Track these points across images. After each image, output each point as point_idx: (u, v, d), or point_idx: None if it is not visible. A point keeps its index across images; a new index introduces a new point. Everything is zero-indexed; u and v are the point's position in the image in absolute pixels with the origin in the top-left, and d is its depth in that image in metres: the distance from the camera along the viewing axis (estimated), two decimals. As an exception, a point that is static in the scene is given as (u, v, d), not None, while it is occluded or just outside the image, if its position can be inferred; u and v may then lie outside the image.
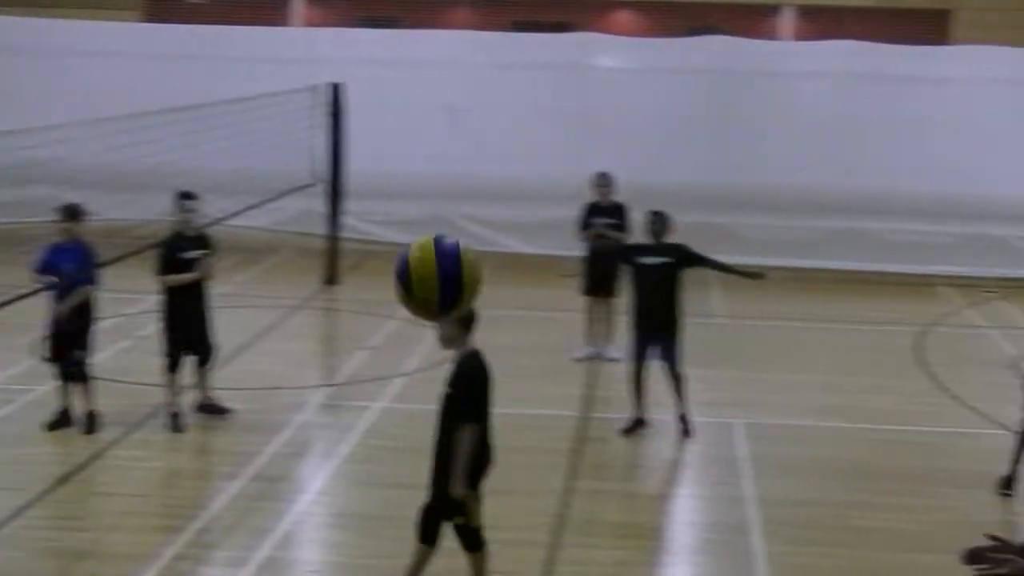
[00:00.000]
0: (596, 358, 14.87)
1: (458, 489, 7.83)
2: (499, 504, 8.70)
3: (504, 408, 12.47)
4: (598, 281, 15.06)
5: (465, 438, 7.80)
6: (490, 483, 8.09)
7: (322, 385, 13.97)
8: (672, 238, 12.33)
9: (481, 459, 8.03)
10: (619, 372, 12.66)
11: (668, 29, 28.69)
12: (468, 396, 7.85)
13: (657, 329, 12.16)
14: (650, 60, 21.89)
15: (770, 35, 31.18)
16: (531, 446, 11.71)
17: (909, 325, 17.45)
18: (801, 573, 9.21)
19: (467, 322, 7.85)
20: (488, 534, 8.17)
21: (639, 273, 12.29)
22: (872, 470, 11.58)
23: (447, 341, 7.93)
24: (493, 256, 20.72)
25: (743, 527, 10.03)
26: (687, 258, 12.22)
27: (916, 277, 20.44)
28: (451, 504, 7.93)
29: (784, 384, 14.44)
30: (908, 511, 10.56)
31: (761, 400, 13.69)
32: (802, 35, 30.67)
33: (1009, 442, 11.27)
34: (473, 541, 8.16)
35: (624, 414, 12.43)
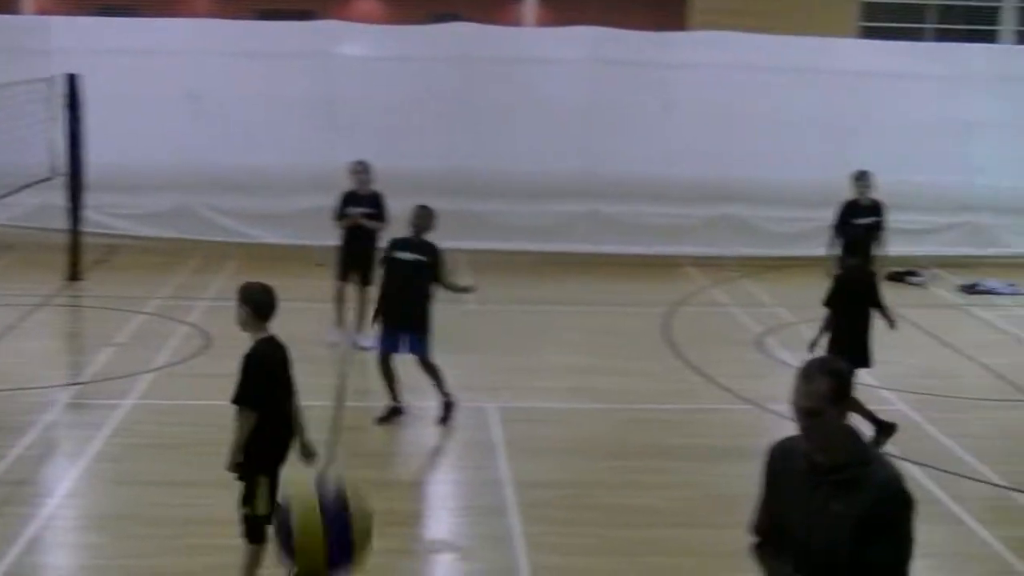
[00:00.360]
0: (348, 345, 14.84)
1: (230, 464, 7.96)
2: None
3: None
4: (350, 268, 15.07)
5: (241, 421, 7.89)
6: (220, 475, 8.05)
7: (68, 384, 13.61)
8: (432, 235, 12.43)
9: (276, 446, 8.02)
10: (373, 361, 12.68)
11: (412, 17, 28.71)
12: (244, 380, 7.92)
13: (405, 323, 12.24)
14: (395, 48, 21.88)
15: (514, 22, 31.50)
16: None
17: (657, 306, 17.88)
18: (558, 552, 9.38)
19: (261, 308, 7.95)
20: (214, 528, 8.09)
21: (392, 266, 12.35)
22: (623, 449, 11.85)
23: (243, 325, 8.03)
24: (241, 248, 20.52)
25: (501, 510, 10.16)
26: (434, 265, 12.30)
27: (662, 259, 20.94)
28: (249, 492, 8.00)
29: (536, 367, 14.65)
30: (659, 488, 10.84)
31: (514, 384, 13.87)
32: (545, 22, 31.06)
33: (758, 416, 11.66)
34: (255, 532, 8.11)
35: (379, 402, 12.45)
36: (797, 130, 21.53)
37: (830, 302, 12.01)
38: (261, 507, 7.99)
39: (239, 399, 7.93)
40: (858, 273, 12.11)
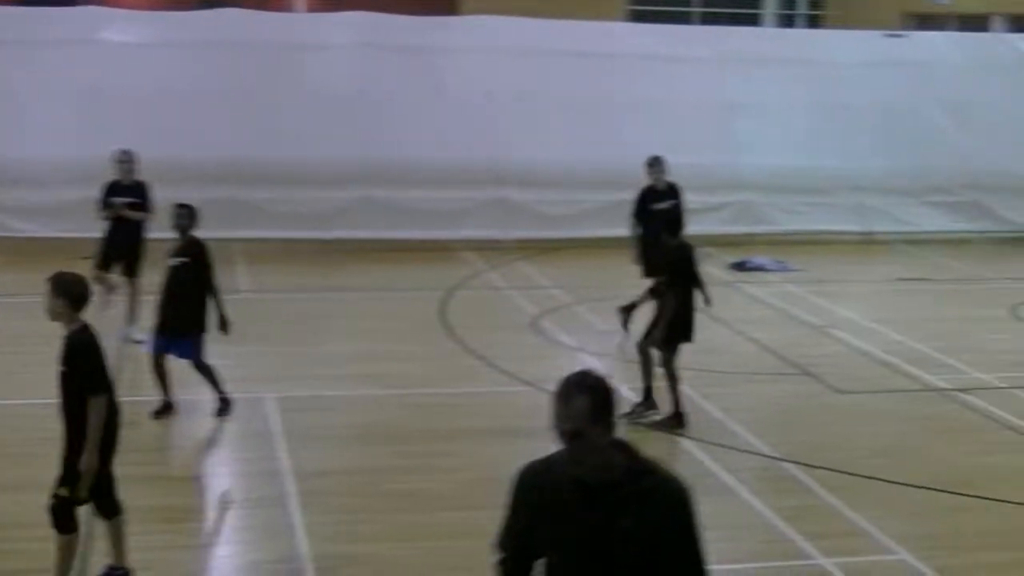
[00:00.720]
0: (121, 339, 14.52)
1: (93, 462, 7.85)
2: (19, 500, 8.42)
3: (21, 398, 12.11)
4: (113, 258, 14.77)
5: (97, 410, 7.81)
6: (6, 477, 7.86)
7: None
8: (199, 231, 12.22)
9: (110, 433, 7.99)
10: (145, 355, 12.47)
11: (181, 3, 28.19)
12: (89, 370, 7.84)
13: (173, 327, 12.07)
14: (163, 34, 21.51)
15: (285, 8, 31.19)
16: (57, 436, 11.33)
17: (435, 290, 17.93)
18: (342, 540, 9.36)
19: (78, 300, 7.90)
20: (14, 532, 7.92)
21: (166, 270, 12.15)
22: (404, 434, 11.88)
23: (54, 315, 7.96)
24: (5, 241, 19.91)
25: (281, 500, 10.08)
26: (198, 266, 12.11)
27: (439, 243, 21.01)
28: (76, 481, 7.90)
29: (314, 356, 14.56)
30: (442, 471, 10.90)
31: (292, 373, 13.76)
32: (316, 7, 30.83)
33: (536, 397, 11.80)
34: (67, 519, 8.02)
35: (153, 396, 12.23)
36: (568, 113, 21.85)
37: (669, 281, 12.30)
38: (83, 492, 7.95)
39: (96, 388, 7.84)
40: (687, 251, 12.41)
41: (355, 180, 21.09)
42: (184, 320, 12.05)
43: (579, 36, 22.97)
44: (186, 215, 12.15)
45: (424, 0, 29.44)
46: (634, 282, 15.42)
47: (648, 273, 15.14)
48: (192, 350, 12.10)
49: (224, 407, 12.23)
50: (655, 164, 16.12)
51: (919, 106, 23.49)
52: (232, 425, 12.04)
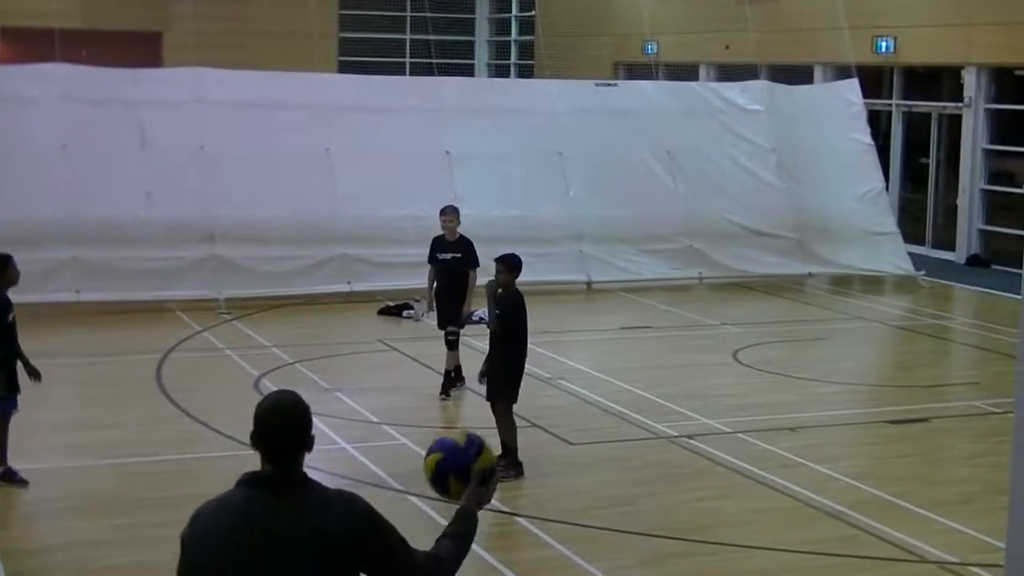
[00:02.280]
0: None
1: None
2: None
3: None
4: None
5: None
6: None
7: None
8: None
9: None
10: None
11: None
12: None
13: None
14: None
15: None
16: None
17: (150, 353, 17.55)
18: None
19: None
20: None
21: None
22: (123, 504, 11.62)
23: None
24: None
25: (-6, 582, 9.74)
26: None
27: (152, 304, 20.56)
28: None
29: (24, 426, 14.07)
30: (161, 542, 10.65)
31: None
32: (9, 59, 30.04)
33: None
34: None
35: None
36: (281, 167, 21.82)
37: (505, 328, 12.59)
38: None
39: None
40: (518, 298, 12.61)
41: (60, 240, 20.44)
42: None
43: (291, 88, 22.97)
44: None
45: (126, 50, 29.08)
46: (346, 339, 15.43)
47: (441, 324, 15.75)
48: None
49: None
50: (445, 212, 16.23)
51: (632, 154, 24.26)
52: (-65, 504, 11.58)
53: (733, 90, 25.86)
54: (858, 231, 24.90)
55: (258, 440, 4.83)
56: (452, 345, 15.71)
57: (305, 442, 4.83)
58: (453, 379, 15.74)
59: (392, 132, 22.73)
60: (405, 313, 20.44)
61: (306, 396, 5.00)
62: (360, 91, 23.75)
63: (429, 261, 16.09)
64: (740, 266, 24.29)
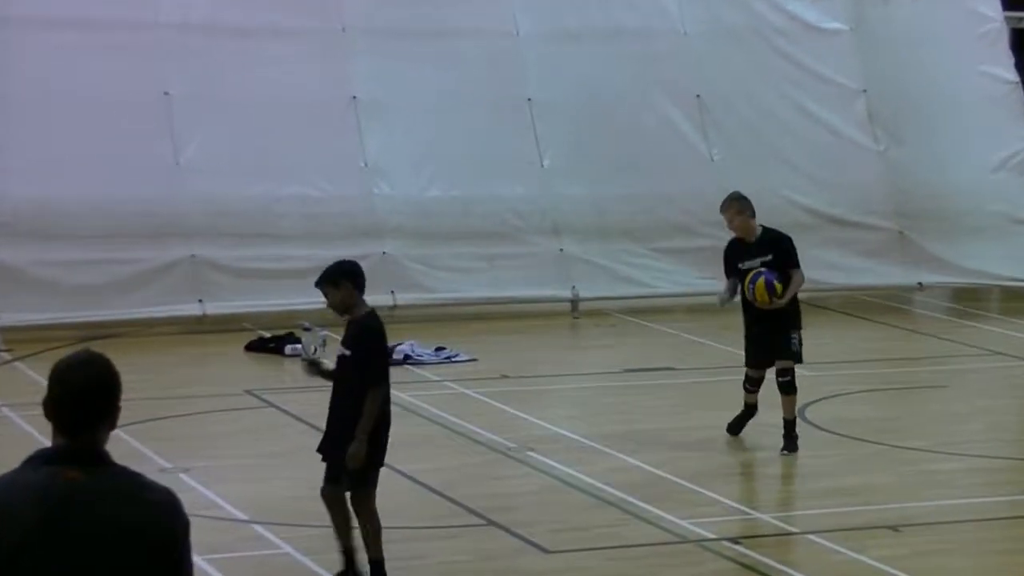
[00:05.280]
0: None
1: None
2: None
3: None
4: None
5: None
6: None
7: None
8: None
9: None
10: None
11: None
12: None
13: None
14: None
15: None
16: None
17: None
18: None
19: None
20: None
21: None
22: None
23: None
24: None
25: None
26: None
27: None
28: None
29: None
30: None
31: None
32: None
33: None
34: None
35: None
36: (88, 119, 21.96)
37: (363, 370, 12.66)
38: None
39: None
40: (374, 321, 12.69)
41: None
42: None
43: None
44: None
45: None
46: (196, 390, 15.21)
47: None
48: None
49: None
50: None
51: (641, 100, 24.35)
52: None
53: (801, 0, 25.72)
54: (995, 219, 24.78)
55: (54, 402, 5.35)
56: None
57: (111, 409, 5.39)
58: None
59: (266, 68, 22.55)
60: (289, 349, 20.09)
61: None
62: (215, 4, 23.50)
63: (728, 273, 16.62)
64: (810, 273, 24.13)
